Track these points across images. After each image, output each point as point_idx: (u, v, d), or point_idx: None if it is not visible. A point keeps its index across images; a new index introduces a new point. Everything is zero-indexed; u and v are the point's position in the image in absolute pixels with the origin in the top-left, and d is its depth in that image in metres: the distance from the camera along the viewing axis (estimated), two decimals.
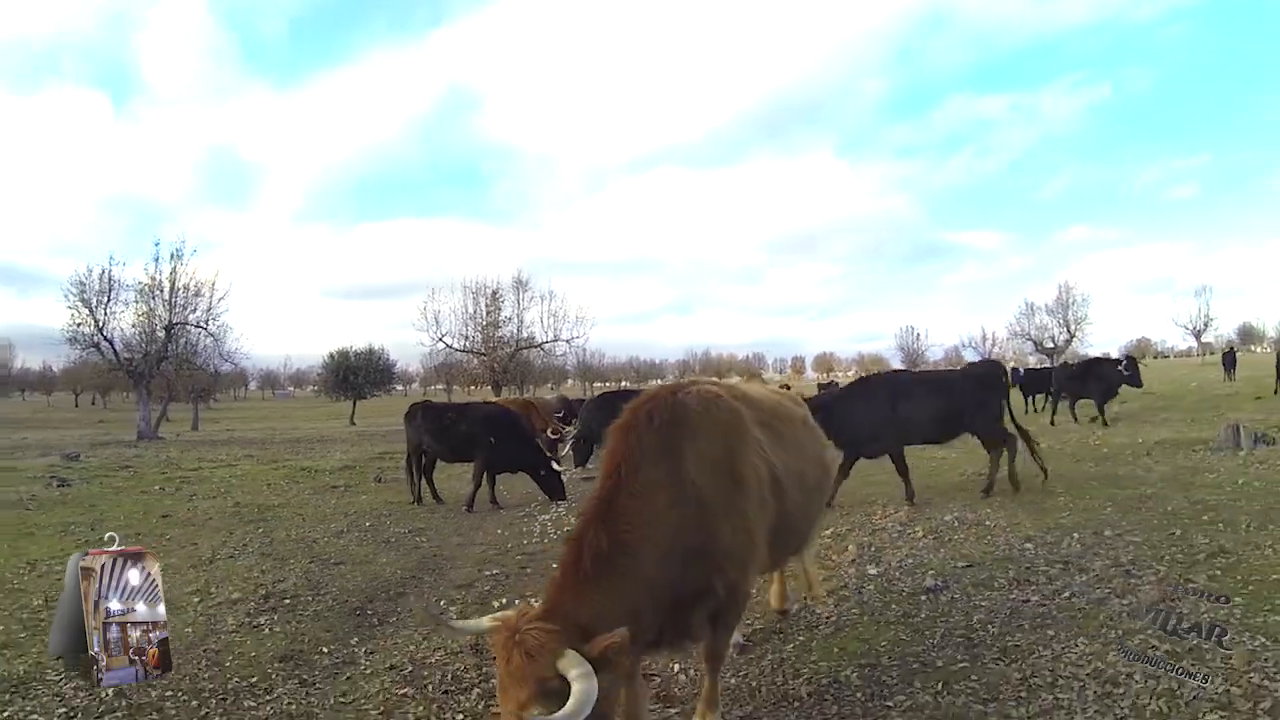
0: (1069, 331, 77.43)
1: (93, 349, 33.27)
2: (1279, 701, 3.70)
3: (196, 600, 6.60)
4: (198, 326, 33.95)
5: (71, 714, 4.48)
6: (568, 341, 44.81)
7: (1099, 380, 21.16)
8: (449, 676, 4.76)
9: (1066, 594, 5.67)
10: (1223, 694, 3.87)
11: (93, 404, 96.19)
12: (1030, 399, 28.73)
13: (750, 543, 3.70)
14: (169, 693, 4.66)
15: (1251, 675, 4.01)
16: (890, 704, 4.16)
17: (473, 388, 71.62)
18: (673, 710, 4.27)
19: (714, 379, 4.50)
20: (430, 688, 4.66)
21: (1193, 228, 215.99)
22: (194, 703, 4.57)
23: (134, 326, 33.71)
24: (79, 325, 32.63)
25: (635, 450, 3.50)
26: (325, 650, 5.42)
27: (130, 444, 28.19)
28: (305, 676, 4.95)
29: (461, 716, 4.17)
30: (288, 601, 6.58)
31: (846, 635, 5.26)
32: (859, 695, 4.30)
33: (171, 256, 33.93)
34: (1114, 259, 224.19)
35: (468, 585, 7.08)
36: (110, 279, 32.72)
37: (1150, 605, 5.20)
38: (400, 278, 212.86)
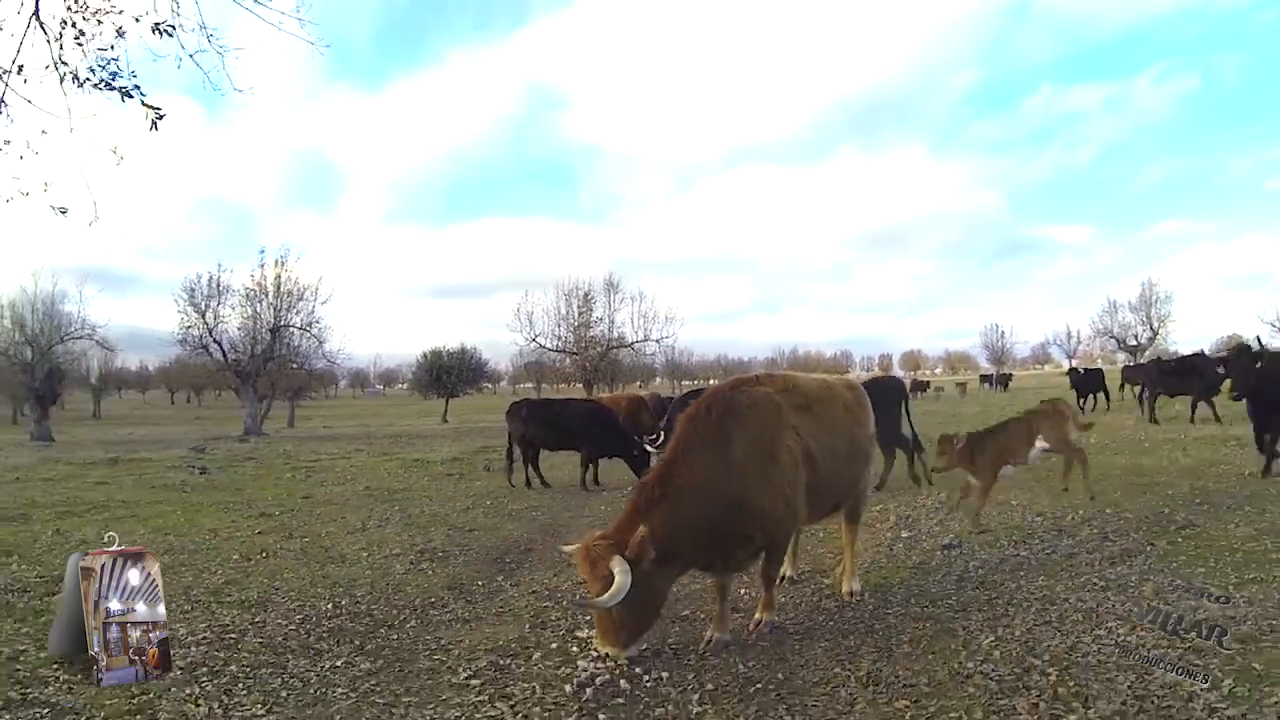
0: (1152, 329, 76.31)
1: (202, 350, 36.11)
2: (1173, 614, 5.15)
3: (365, 555, 8.39)
4: (301, 329, 36.60)
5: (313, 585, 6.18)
6: (657, 341, 46.54)
7: (1201, 377, 21.04)
8: (576, 595, 6.43)
9: (1050, 551, 7.17)
10: (1128, 609, 5.33)
11: (188, 401, 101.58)
12: (1082, 399, 29.12)
13: (783, 505, 5.26)
14: (373, 607, 6.38)
15: (1155, 601, 5.48)
16: (889, 611, 5.79)
17: (562, 386, 74.00)
18: (739, 614, 5.90)
19: (770, 373, 5.95)
20: (565, 601, 6.34)
21: None
22: (396, 612, 6.27)
23: (240, 329, 36.50)
24: (189, 328, 35.54)
25: (695, 434, 5.14)
26: (480, 584, 7.16)
27: (240, 439, 30.78)
28: (469, 599, 6.66)
29: (588, 618, 5.85)
30: (440, 555, 8.36)
31: (872, 573, 6.93)
32: (870, 606, 5.94)
33: (276, 262, 36.63)
34: (1207, 253, 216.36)
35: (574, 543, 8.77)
36: (219, 284, 35.56)
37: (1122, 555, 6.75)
38: (487, 277, 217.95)
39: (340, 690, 4.63)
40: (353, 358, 60.19)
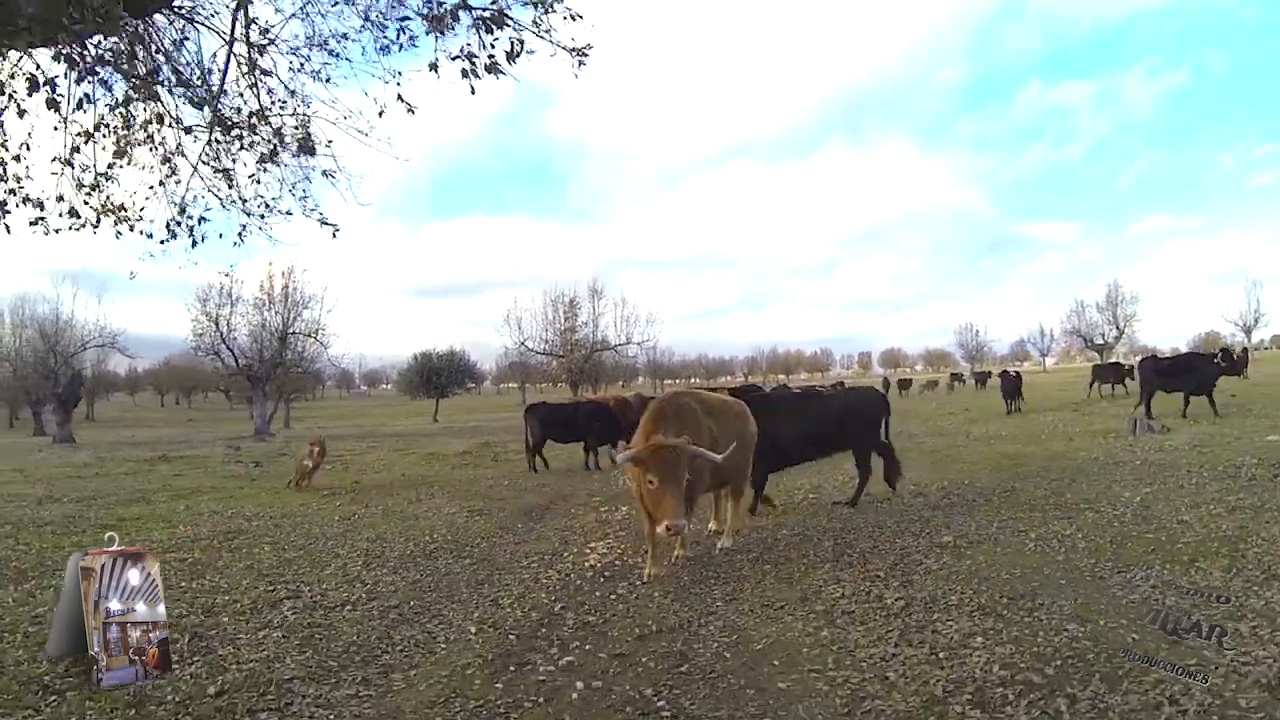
0: (1118, 328, 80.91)
1: (214, 355, 39.51)
2: (983, 540, 8.72)
3: (431, 514, 11.83)
4: (308, 335, 39.97)
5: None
6: (639, 344, 50.33)
7: (1195, 375, 22.36)
8: (592, 526, 9.96)
9: (915, 512, 10.47)
10: (934, 535, 8.91)
11: (176, 404, 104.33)
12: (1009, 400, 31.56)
13: (703, 469, 8.11)
14: (455, 538, 9.86)
15: (948, 533, 9.08)
16: (789, 530, 9.35)
17: (545, 386, 77.79)
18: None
19: (692, 390, 9.35)
20: (585, 532, 9.88)
21: (1272, 216, 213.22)
22: (470, 540, 9.71)
23: (249, 335, 39.85)
24: (200, 335, 38.90)
25: (661, 423, 8.19)
26: (519, 525, 10.72)
27: (254, 439, 34.12)
28: (513, 533, 10.18)
29: (604, 542, 9.24)
30: (484, 512, 11.88)
31: (790, 517, 10.46)
32: (789, 534, 9.47)
33: (284, 273, 40.02)
34: (1190, 249, 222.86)
35: (582, 504, 12.25)
36: (230, 293, 38.90)
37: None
38: (472, 276, 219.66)
39: (456, 573, 8.13)
40: (364, 360, 63.45)
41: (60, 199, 6.71)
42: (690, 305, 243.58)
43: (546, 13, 5.62)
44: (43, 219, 6.62)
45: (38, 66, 5.53)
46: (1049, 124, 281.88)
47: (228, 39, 5.99)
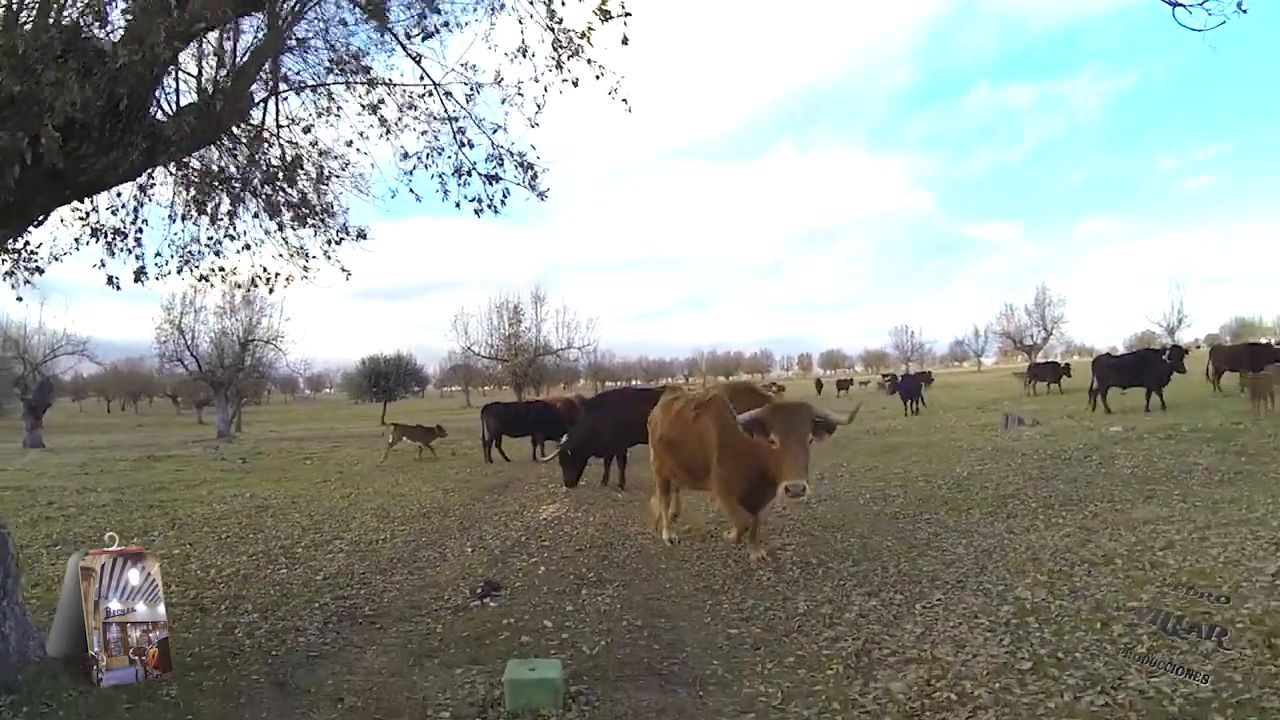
0: (1046, 330, 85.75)
1: (177, 362, 41.98)
2: (831, 498, 12.15)
3: (415, 492, 14.93)
4: (268, 342, 42.59)
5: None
6: (579, 348, 53.50)
7: (1151, 370, 23.55)
8: (543, 496, 13.18)
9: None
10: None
11: (123, 410, 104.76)
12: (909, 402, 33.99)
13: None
14: (442, 505, 13.02)
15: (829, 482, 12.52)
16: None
17: (488, 388, 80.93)
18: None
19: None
20: (537, 500, 13.09)
21: (1210, 219, 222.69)
22: (453, 507, 12.84)
23: (211, 342, 42.29)
24: (164, 342, 41.30)
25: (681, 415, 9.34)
26: (486, 498, 13.91)
27: (218, 440, 36.58)
28: (485, 501, 13.35)
29: (552, 506, 12.42)
30: (459, 489, 15.08)
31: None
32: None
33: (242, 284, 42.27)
34: (1131, 250, 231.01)
35: (533, 484, 15.41)
36: (193, 301, 41.19)
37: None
38: (414, 280, 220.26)
39: (448, 525, 11.28)
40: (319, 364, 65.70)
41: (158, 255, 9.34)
42: (636, 306, 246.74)
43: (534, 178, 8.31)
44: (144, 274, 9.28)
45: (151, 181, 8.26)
46: (996, 126, 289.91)
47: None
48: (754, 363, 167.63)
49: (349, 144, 7.80)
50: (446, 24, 6.99)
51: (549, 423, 20.79)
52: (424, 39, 7.01)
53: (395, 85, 7.51)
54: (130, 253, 7.34)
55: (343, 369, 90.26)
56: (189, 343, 40.74)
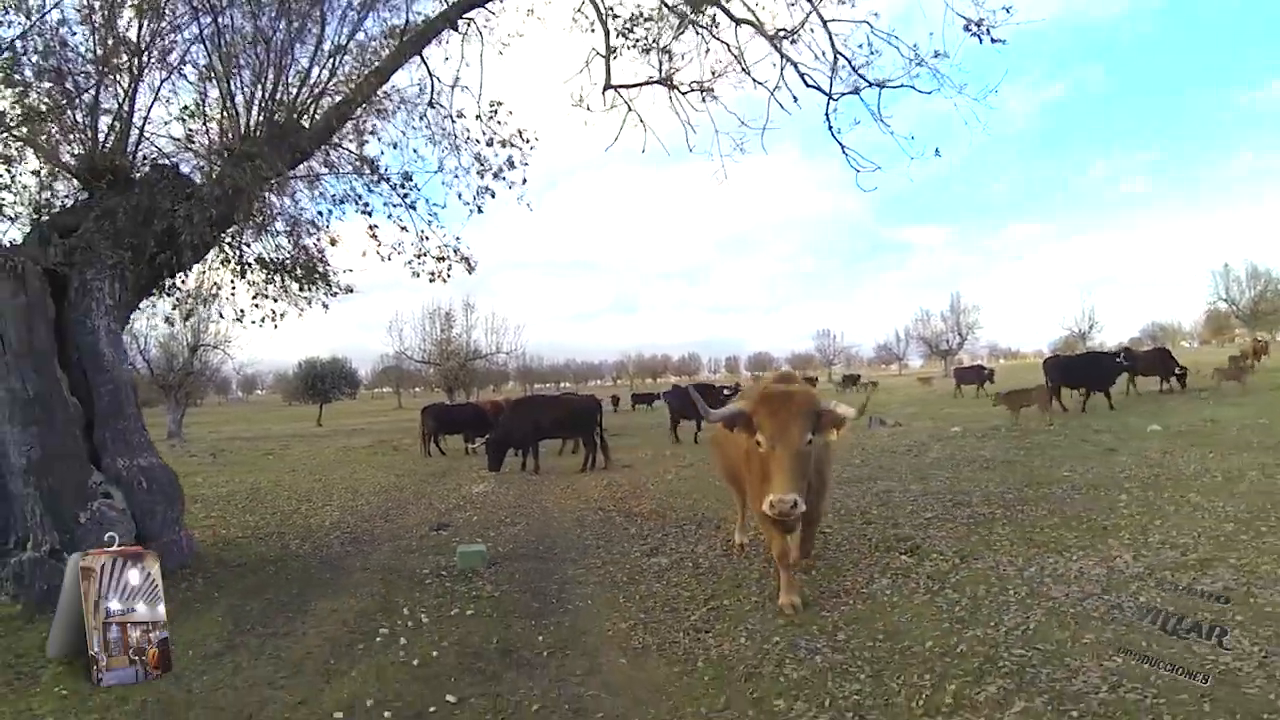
0: (960, 335, 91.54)
1: (130, 365, 45.00)
2: (693, 477, 16.58)
3: (372, 479, 19.02)
4: (215, 347, 45.95)
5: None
6: (507, 353, 57.80)
7: (1100, 371, 24.69)
8: (474, 479, 17.38)
9: (666, 460, 18.53)
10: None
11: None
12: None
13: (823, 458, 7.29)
14: (397, 486, 17.23)
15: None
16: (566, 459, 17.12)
17: (418, 389, 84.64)
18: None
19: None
20: (471, 481, 17.31)
21: (1139, 224, 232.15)
22: (410, 485, 17.06)
23: (159, 347, 45.44)
24: None
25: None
26: (431, 480, 18.06)
27: (171, 441, 39.70)
28: (428, 485, 17.46)
29: (483, 485, 16.60)
30: (408, 475, 19.19)
31: (568, 461, 18.28)
32: (566, 463, 17.22)
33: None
34: (1061, 254, 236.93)
35: (467, 471, 19.48)
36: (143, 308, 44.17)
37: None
38: (346, 280, 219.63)
39: (406, 497, 15.39)
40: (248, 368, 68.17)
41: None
42: (566, 308, 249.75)
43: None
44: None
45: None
46: (929, 131, 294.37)
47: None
48: (682, 365, 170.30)
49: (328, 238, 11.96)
50: (410, 176, 11.36)
51: (478, 422, 24.98)
52: (405, 199, 11.21)
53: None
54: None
55: (274, 370, 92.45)
56: (140, 347, 43.86)
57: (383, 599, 7.71)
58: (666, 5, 11.17)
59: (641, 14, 11.42)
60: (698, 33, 11.30)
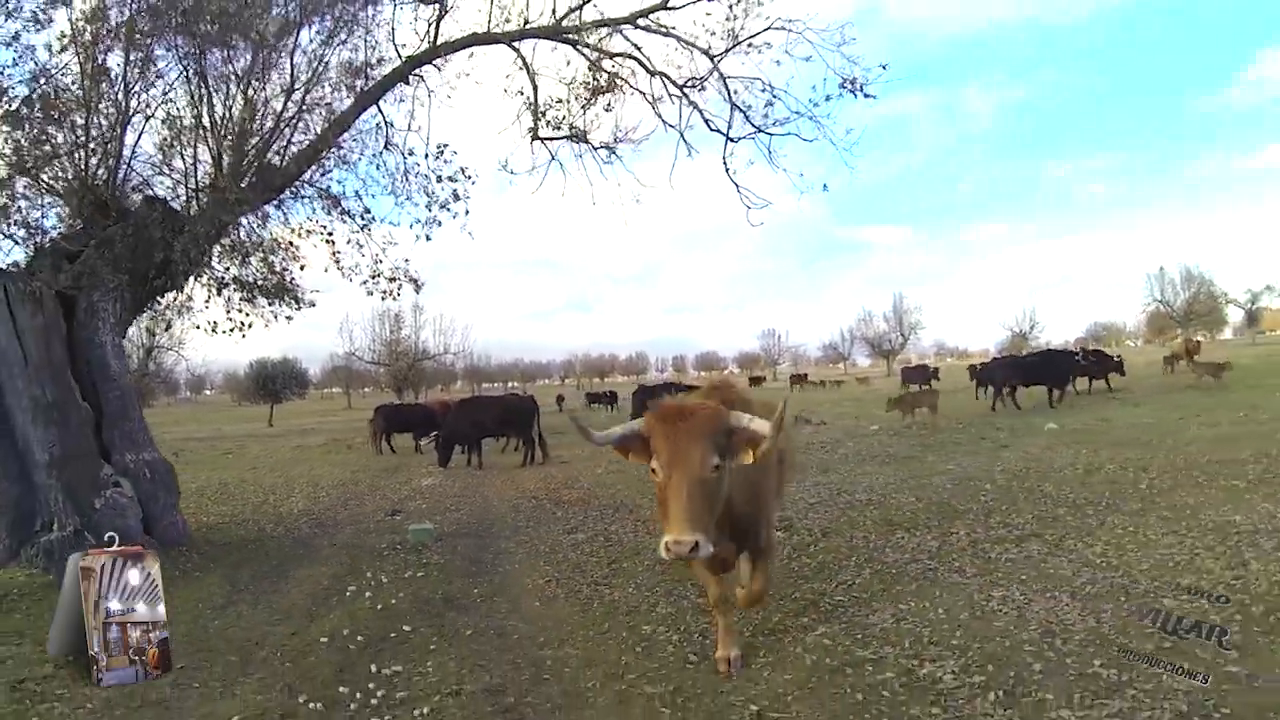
0: (903, 335, 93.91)
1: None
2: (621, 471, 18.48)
3: (329, 472, 20.72)
4: (171, 349, 47.04)
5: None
6: (454, 354, 59.49)
7: (1056, 369, 25.76)
8: (423, 473, 19.16)
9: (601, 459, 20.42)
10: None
11: None
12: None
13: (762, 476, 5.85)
14: (355, 479, 18.94)
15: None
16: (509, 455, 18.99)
17: (366, 390, 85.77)
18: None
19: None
20: (420, 474, 19.07)
21: (1097, 226, 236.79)
22: (358, 481, 18.78)
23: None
24: None
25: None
26: (384, 474, 19.77)
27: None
28: (382, 479, 19.17)
29: (431, 479, 18.38)
30: (363, 471, 20.88)
31: (512, 458, 20.13)
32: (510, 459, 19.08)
33: None
34: (1018, 255, 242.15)
35: (417, 467, 21.25)
36: None
37: None
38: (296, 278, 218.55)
39: (363, 490, 17.11)
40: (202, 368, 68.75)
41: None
42: (519, 306, 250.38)
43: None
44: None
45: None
46: (890, 131, 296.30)
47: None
48: (629, 364, 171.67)
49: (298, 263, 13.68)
50: (371, 213, 13.21)
51: (427, 421, 26.73)
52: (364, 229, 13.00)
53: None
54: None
55: (222, 370, 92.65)
56: None
57: (349, 566, 9.52)
58: (580, 81, 13.12)
59: (554, 99, 13.53)
60: (608, 106, 13.23)
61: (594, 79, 13.08)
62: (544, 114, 13.49)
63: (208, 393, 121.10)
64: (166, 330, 15.49)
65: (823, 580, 7.85)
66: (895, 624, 6.40)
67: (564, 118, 13.50)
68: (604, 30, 12.43)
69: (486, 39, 12.62)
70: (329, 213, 13.07)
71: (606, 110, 13.46)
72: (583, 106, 13.31)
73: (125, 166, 11.90)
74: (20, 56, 10.73)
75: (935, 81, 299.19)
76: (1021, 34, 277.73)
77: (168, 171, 12.54)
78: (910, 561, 8.24)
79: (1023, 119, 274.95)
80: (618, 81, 13.01)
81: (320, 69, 12.55)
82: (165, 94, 12.02)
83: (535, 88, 13.31)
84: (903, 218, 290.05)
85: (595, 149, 13.51)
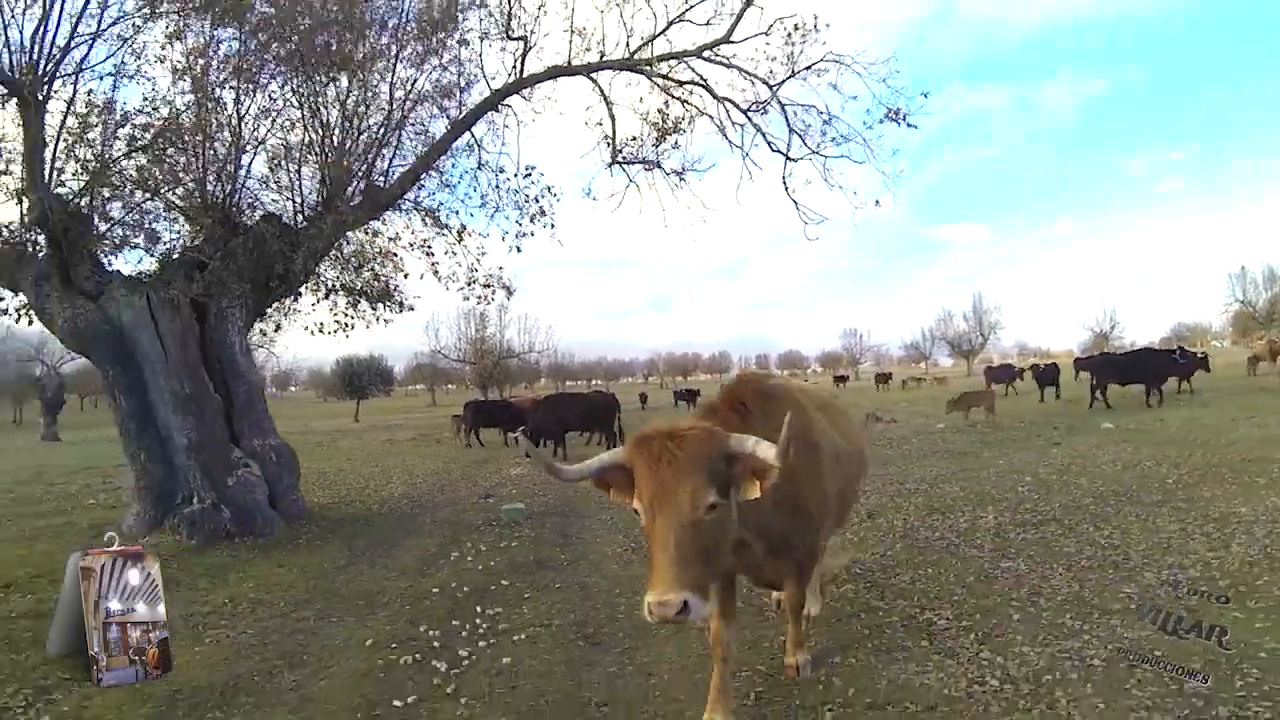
0: (983, 335, 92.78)
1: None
2: None
3: (420, 464, 22.26)
4: (263, 347, 49.17)
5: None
6: (539, 352, 61.16)
7: (1152, 368, 25.91)
8: (511, 463, 20.54)
9: None
10: None
11: (95, 407, 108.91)
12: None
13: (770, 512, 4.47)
14: (441, 470, 20.39)
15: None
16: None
17: (450, 386, 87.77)
18: None
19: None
20: (509, 464, 20.52)
21: (1177, 222, 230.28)
22: (449, 471, 20.25)
23: None
24: None
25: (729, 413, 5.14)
26: (474, 466, 21.25)
27: None
28: (473, 469, 20.62)
29: (519, 468, 19.71)
30: (451, 463, 22.43)
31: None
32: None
33: None
34: (1098, 252, 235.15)
35: (507, 459, 22.67)
36: None
37: None
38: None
39: (455, 479, 18.52)
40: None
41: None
42: (599, 306, 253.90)
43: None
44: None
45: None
46: (967, 129, 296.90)
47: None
48: (712, 363, 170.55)
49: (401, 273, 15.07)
50: (466, 227, 14.51)
51: (513, 417, 28.22)
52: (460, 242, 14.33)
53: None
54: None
55: (306, 366, 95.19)
56: None
57: (451, 537, 10.86)
58: (652, 118, 14.47)
59: (629, 137, 14.85)
60: (676, 144, 14.63)
61: (663, 120, 14.32)
62: (620, 150, 14.72)
63: (293, 389, 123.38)
64: (276, 331, 16.75)
65: (861, 551, 8.93)
66: (911, 584, 7.50)
67: (638, 152, 14.69)
68: (673, 61, 13.63)
69: (567, 71, 13.87)
70: (425, 224, 14.33)
71: (675, 148, 14.68)
72: (654, 143, 14.54)
73: (241, 187, 13.40)
74: (146, 92, 12.37)
75: (1013, 77, 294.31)
76: (1102, 27, 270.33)
77: (276, 188, 14.07)
78: (939, 539, 9.32)
79: (1102, 113, 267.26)
80: (686, 117, 14.29)
81: (415, 97, 13.88)
82: (274, 119, 13.45)
83: (613, 119, 14.54)
84: (981, 216, 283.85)
85: (666, 174, 14.68)
